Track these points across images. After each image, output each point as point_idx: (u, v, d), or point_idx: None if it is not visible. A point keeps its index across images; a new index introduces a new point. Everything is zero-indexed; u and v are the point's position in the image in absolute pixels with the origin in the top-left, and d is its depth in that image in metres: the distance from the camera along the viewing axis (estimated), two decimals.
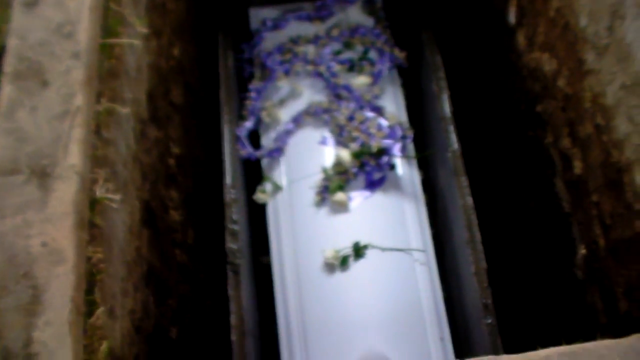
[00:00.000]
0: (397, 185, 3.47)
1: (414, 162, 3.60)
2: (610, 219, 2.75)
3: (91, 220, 2.18)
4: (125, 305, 2.38)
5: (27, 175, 2.14)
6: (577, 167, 2.96)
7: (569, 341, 2.48)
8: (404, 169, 3.53)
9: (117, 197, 2.28)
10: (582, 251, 2.97)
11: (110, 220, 2.28)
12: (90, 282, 2.13)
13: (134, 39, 2.53)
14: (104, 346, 2.12)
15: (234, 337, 3.22)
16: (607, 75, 2.68)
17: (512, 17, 3.48)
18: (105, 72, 2.36)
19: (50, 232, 2.07)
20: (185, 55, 3.52)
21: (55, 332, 1.98)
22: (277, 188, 3.52)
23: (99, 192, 2.22)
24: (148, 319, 2.61)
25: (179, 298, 3.05)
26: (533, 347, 2.17)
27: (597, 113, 2.76)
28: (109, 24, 2.43)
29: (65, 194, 2.11)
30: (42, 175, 2.14)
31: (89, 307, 2.11)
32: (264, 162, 3.64)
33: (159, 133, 2.92)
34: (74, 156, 2.16)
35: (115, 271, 2.30)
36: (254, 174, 3.70)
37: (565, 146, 3.04)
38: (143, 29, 2.61)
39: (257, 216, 3.68)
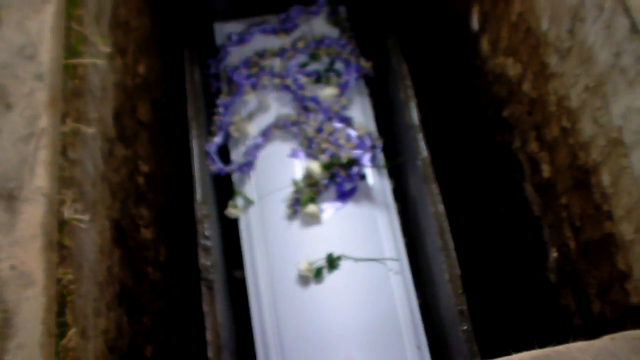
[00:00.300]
0: (368, 195, 3.48)
1: (385, 172, 3.61)
2: (579, 220, 2.77)
3: (60, 241, 2.16)
4: (98, 326, 2.36)
5: None
6: (545, 170, 2.97)
7: (545, 344, 2.49)
8: (375, 178, 3.55)
9: (86, 217, 2.26)
10: (554, 254, 2.98)
11: (79, 240, 2.27)
12: (61, 303, 2.11)
13: (97, 58, 2.52)
14: None
15: (210, 353, 3.20)
16: (570, 77, 2.70)
17: (474, 23, 3.51)
18: (70, 93, 2.35)
19: (19, 255, 2.05)
20: (152, 72, 3.50)
21: (27, 356, 1.96)
22: (249, 202, 3.51)
23: (67, 213, 2.20)
24: (122, 339, 2.59)
25: (153, 316, 3.03)
26: (508, 352, 2.17)
27: (563, 116, 2.78)
28: (71, 44, 2.41)
29: (32, 216, 2.09)
30: (9, 198, 2.11)
31: (61, 328, 2.09)
32: (235, 177, 3.63)
33: (127, 151, 2.91)
34: (41, 178, 2.14)
35: (86, 292, 2.28)
36: (225, 189, 3.69)
37: (533, 150, 3.06)
38: (106, 48, 2.59)
39: (230, 231, 3.67)
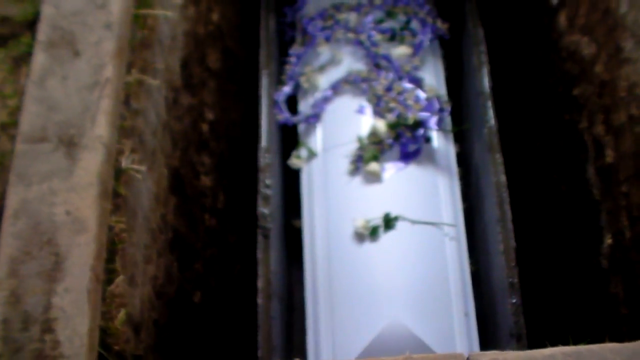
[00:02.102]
0: (431, 159, 3.46)
1: (450, 136, 3.59)
2: (638, 210, 2.73)
3: (115, 190, 2.22)
4: (147, 272, 2.43)
5: (54, 144, 2.19)
6: (609, 155, 2.93)
7: (590, 329, 2.49)
8: (440, 142, 3.52)
9: (143, 167, 2.32)
10: (609, 240, 2.95)
11: (135, 189, 2.33)
12: (111, 250, 2.18)
13: (168, 9, 2.55)
14: (122, 313, 2.18)
15: (260, 300, 3.27)
16: None
17: None
18: (138, 43, 2.39)
19: (75, 201, 2.12)
20: (225, 20, 3.52)
21: (74, 299, 2.04)
22: (312, 154, 3.53)
23: (125, 163, 2.27)
24: (170, 285, 2.67)
25: (205, 262, 3.09)
26: (556, 330, 2.18)
27: (632, 103, 2.73)
28: None
29: (90, 164, 2.16)
30: (70, 145, 2.18)
31: (109, 275, 2.17)
32: (301, 128, 3.65)
33: (192, 100, 2.95)
34: (101, 127, 2.20)
35: (138, 239, 2.35)
36: (290, 139, 3.72)
37: (599, 133, 3.01)
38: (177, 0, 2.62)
39: (292, 181, 3.71)
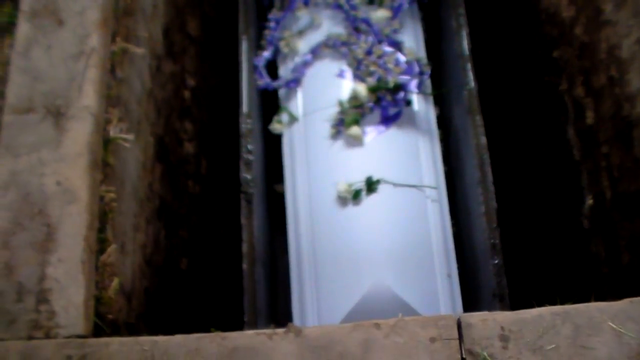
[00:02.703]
0: (412, 122, 3.47)
1: (430, 99, 3.60)
2: (618, 171, 2.77)
3: (104, 159, 2.22)
4: (137, 241, 2.44)
5: (42, 115, 2.18)
6: (589, 117, 2.96)
7: (572, 288, 2.53)
8: (420, 105, 3.53)
9: (131, 136, 2.32)
10: (590, 201, 2.99)
11: (123, 159, 2.33)
12: (102, 220, 2.19)
13: None
14: (115, 282, 2.19)
15: (244, 265, 3.28)
16: (623, 27, 2.66)
17: None
18: (121, 11, 2.38)
19: (65, 171, 2.12)
20: None
21: (67, 269, 2.05)
22: (293, 119, 3.54)
23: (113, 132, 2.27)
24: (159, 252, 2.68)
25: (190, 229, 3.10)
26: (539, 291, 2.21)
27: (612, 65, 2.75)
28: None
29: (79, 134, 2.16)
30: (57, 115, 2.18)
31: (101, 244, 2.17)
32: (281, 93, 3.64)
33: (174, 67, 2.94)
34: (89, 97, 2.20)
35: (127, 208, 2.36)
36: (271, 104, 3.72)
37: (579, 95, 3.04)
38: None
39: (273, 146, 3.71)
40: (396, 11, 3.65)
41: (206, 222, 3.38)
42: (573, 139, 3.13)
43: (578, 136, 3.09)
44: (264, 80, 3.63)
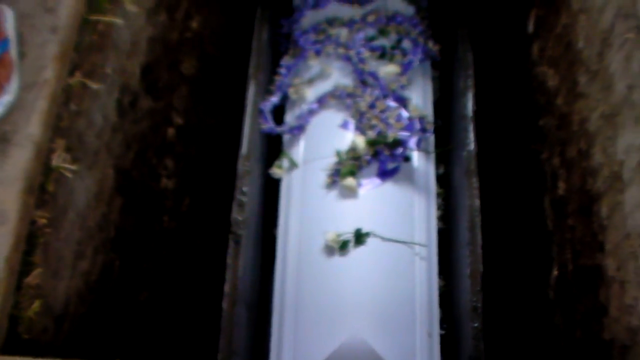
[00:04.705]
0: (409, 178, 3.47)
1: (432, 157, 3.60)
2: (579, 245, 2.73)
3: (43, 186, 2.30)
4: (78, 267, 2.51)
5: None
6: (561, 187, 2.93)
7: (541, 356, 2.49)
8: (420, 162, 3.53)
9: (74, 167, 2.40)
10: (555, 272, 2.95)
11: (67, 187, 2.41)
12: (32, 243, 2.26)
13: (123, 16, 2.62)
14: (36, 304, 2.27)
15: (225, 304, 3.32)
16: (593, 101, 2.65)
17: (530, 26, 3.43)
18: (86, 47, 2.47)
19: (0, 194, 2.21)
20: (207, 27, 3.59)
21: None
22: (293, 165, 3.58)
23: (56, 161, 2.35)
24: (107, 282, 2.74)
25: (156, 263, 3.15)
26: (513, 357, 2.19)
27: (582, 138, 2.73)
28: (96, 1, 2.52)
29: (19, 160, 2.25)
30: (2, 141, 2.27)
31: (27, 267, 2.25)
32: (285, 138, 3.69)
33: (155, 104, 3.02)
34: (34, 126, 2.29)
35: (67, 235, 2.43)
36: (275, 148, 3.77)
37: (556, 165, 3.01)
38: (133, 7, 2.69)
39: (273, 190, 3.75)
40: (406, 67, 3.68)
41: (182, 258, 3.43)
42: (548, 208, 3.10)
43: (552, 206, 3.05)
44: (269, 125, 3.69)
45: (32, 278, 2.25)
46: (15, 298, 2.20)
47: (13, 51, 2.31)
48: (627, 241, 2.34)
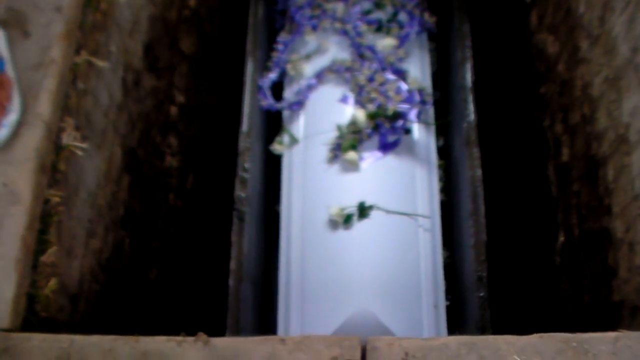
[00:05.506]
0: (410, 150, 3.48)
1: (432, 129, 3.61)
2: (585, 209, 2.75)
3: (55, 165, 2.30)
4: (90, 245, 2.51)
5: None
6: (565, 154, 2.95)
7: (547, 324, 2.51)
8: (420, 134, 3.54)
9: (85, 145, 2.40)
10: (561, 238, 2.97)
11: (77, 166, 2.41)
12: (46, 222, 2.26)
13: None
14: (52, 282, 2.27)
15: (231, 281, 3.33)
16: (595, 65, 2.66)
17: None
18: (89, 26, 2.46)
19: (11, 174, 2.21)
20: (204, 5, 3.58)
21: (2, 266, 2.13)
22: (294, 140, 3.58)
23: (66, 140, 2.34)
24: (119, 259, 2.75)
25: (165, 240, 3.16)
26: (520, 325, 2.21)
27: (585, 103, 2.74)
28: None
29: (30, 140, 2.24)
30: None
31: (42, 245, 2.25)
32: (285, 114, 3.69)
33: (157, 82, 3.02)
34: (43, 105, 2.28)
35: (79, 213, 2.44)
36: (274, 125, 3.77)
37: (558, 131, 3.03)
38: None
39: (274, 166, 3.77)
40: (403, 40, 3.68)
41: (189, 235, 3.44)
42: (552, 175, 3.11)
43: (556, 173, 3.07)
44: (268, 101, 3.68)
45: (48, 256, 2.25)
46: (32, 276, 2.20)
47: (9, 70, 2.30)
48: (635, 203, 2.36)
